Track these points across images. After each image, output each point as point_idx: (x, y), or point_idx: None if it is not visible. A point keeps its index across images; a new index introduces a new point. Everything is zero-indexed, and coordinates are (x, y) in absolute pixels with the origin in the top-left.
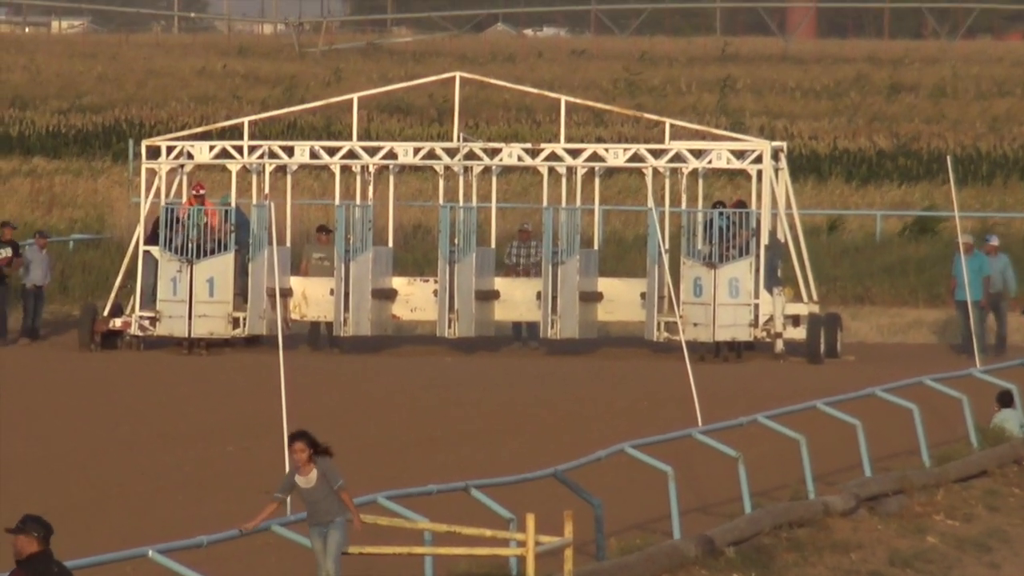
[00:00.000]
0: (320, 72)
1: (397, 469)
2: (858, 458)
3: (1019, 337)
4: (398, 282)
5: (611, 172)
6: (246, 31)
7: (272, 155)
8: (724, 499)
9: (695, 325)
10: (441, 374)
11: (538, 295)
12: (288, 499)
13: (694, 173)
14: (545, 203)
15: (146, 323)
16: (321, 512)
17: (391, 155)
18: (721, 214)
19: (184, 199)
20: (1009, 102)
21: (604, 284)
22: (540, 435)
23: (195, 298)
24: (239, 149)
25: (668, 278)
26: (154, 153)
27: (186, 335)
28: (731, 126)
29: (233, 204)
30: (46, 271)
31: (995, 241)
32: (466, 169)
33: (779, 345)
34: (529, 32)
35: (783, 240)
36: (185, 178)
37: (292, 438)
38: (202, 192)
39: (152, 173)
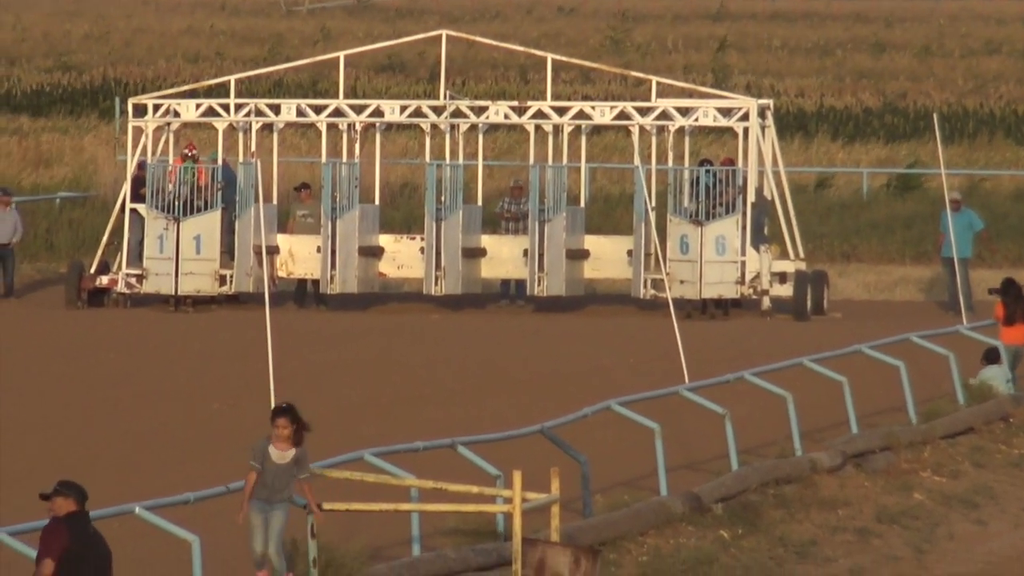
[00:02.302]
0: (307, 30)
1: (384, 426)
2: (845, 415)
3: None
4: (385, 239)
5: (598, 130)
6: None
7: (259, 113)
8: (711, 456)
9: (682, 282)
10: (428, 331)
11: (525, 252)
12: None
13: (680, 131)
14: (532, 161)
15: (133, 280)
16: (275, 489)
17: (377, 113)
18: (708, 171)
19: (171, 157)
20: (995, 60)
21: (591, 242)
22: (527, 392)
23: (182, 256)
24: (225, 107)
25: (655, 236)
26: (140, 111)
27: (173, 293)
28: (716, 84)
29: (220, 161)
30: (14, 229)
31: None
32: (453, 127)
33: (766, 302)
34: None
35: (769, 197)
36: (171, 136)
37: (276, 413)
38: (194, 152)
39: (138, 131)
